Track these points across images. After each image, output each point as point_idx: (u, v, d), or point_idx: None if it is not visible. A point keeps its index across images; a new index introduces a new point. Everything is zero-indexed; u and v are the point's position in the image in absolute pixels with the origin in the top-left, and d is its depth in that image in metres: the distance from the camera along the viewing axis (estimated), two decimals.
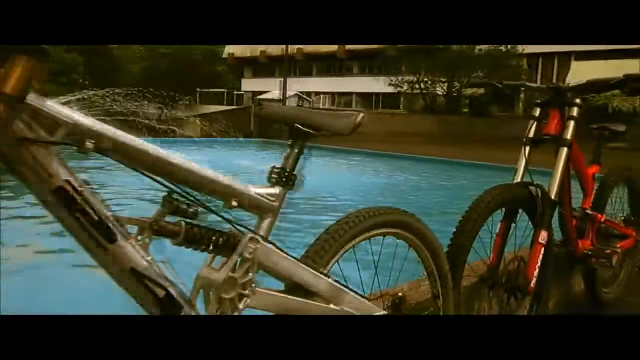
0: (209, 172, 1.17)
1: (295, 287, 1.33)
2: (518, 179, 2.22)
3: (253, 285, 1.23)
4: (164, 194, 1.12)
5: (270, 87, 39.16)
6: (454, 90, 25.45)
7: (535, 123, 2.30)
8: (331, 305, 1.38)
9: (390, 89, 27.91)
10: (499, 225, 2.17)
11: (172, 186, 1.11)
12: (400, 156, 12.38)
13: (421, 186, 8.94)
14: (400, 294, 1.66)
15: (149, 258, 1.06)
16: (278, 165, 1.34)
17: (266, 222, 1.28)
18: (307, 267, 1.33)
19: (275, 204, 1.30)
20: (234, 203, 1.22)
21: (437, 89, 25.61)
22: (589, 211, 2.60)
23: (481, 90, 26.62)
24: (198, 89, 39.81)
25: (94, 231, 0.97)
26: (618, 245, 2.61)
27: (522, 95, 28.71)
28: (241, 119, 16.51)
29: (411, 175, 9.72)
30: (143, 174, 1.07)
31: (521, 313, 2.14)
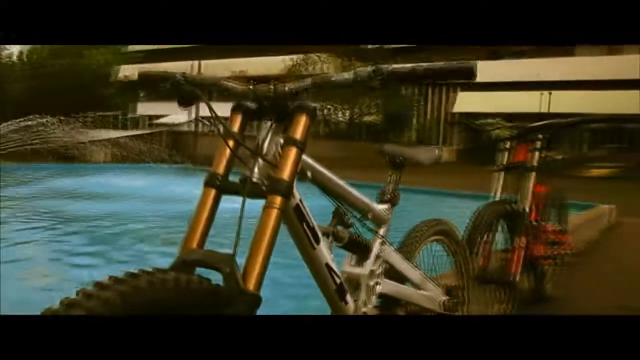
0: (356, 192, 1.61)
1: (398, 277, 1.78)
2: (497, 198, 2.82)
3: (382, 276, 1.67)
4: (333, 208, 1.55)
5: (167, 111, 38.59)
6: (355, 117, 26.75)
7: (507, 153, 2.93)
8: (421, 291, 1.85)
9: None
10: (485, 235, 2.74)
11: (339, 204, 1.55)
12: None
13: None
14: (452, 282, 2.15)
15: (332, 255, 1.48)
16: (384, 189, 1.80)
17: (384, 229, 1.73)
18: (408, 262, 1.79)
19: (389, 216, 1.75)
20: (370, 216, 1.66)
21: (340, 115, 26.79)
22: (541, 222, 3.26)
23: (375, 117, 28.24)
24: (89, 113, 38.21)
25: (311, 236, 1.37)
26: (562, 249, 3.30)
27: (414, 122, 30.80)
28: (154, 143, 16.34)
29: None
30: (324, 194, 1.50)
31: (509, 304, 2.71)
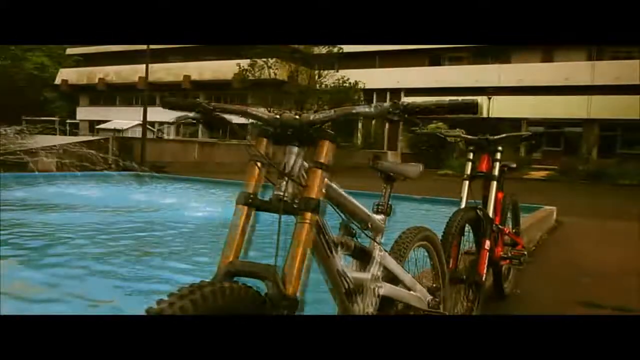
0: (360, 205, 1.79)
1: (392, 279, 1.97)
2: (463, 204, 3.08)
3: (381, 280, 1.86)
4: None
5: (110, 117, 37.66)
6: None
7: (471, 163, 3.19)
8: (411, 292, 2.05)
9: (236, 120, 28.64)
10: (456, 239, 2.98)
11: (343, 215, 1.73)
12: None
13: None
14: (431, 283, 2.36)
15: (343, 262, 1.66)
16: (379, 201, 1.99)
17: (379, 238, 1.92)
18: (401, 267, 1.99)
19: (383, 225, 1.94)
20: (369, 226, 1.85)
21: None
22: (500, 226, 3.55)
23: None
24: (24, 117, 36.80)
25: (327, 247, 1.55)
26: (517, 250, 3.60)
27: (359, 127, 31.32)
28: (103, 149, 15.99)
29: None
30: (334, 207, 1.67)
31: (477, 302, 2.96)
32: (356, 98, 28.26)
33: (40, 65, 46.41)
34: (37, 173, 12.06)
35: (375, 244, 1.86)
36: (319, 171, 1.39)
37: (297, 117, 1.43)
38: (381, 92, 31.16)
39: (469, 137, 3.34)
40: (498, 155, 3.19)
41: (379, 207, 1.97)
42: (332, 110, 1.44)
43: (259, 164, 1.44)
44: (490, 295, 3.59)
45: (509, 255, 3.49)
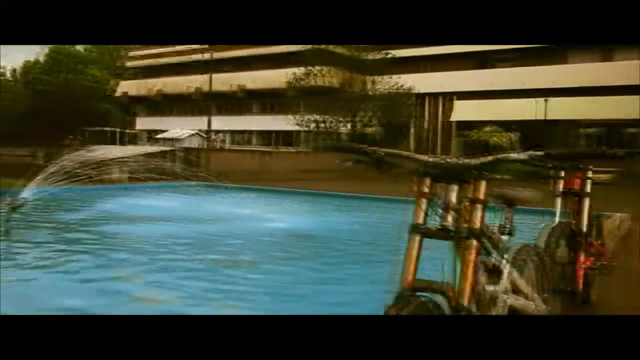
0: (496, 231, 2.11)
1: (515, 292, 2.28)
2: (556, 220, 3.34)
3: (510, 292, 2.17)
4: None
5: (166, 126, 38.94)
6: (356, 129, 27.35)
7: (562, 181, 3.46)
8: (529, 302, 2.36)
9: (289, 128, 29.27)
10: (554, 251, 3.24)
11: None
12: (324, 194, 12.83)
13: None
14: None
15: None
16: (504, 224, 2.31)
17: (507, 255, 2.23)
18: (524, 280, 2.30)
19: (509, 244, 2.26)
20: (500, 246, 2.17)
21: (341, 127, 27.38)
22: (589, 238, 3.78)
23: (374, 128, 28.82)
24: (85, 128, 38.50)
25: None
26: (603, 260, 3.82)
27: (412, 130, 31.43)
28: (168, 159, 16.74)
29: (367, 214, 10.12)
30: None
31: (572, 310, 3.22)
32: (409, 103, 28.41)
33: (101, 78, 48.67)
34: (116, 185, 12.59)
35: (505, 261, 2.18)
36: (480, 206, 1.72)
37: (459, 161, 1.76)
38: (434, 96, 31.17)
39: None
40: (589, 174, 3.44)
41: (505, 229, 2.28)
42: (489, 156, 1.77)
43: (425, 199, 1.79)
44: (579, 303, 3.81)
45: (598, 265, 3.72)
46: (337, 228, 7.90)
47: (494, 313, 2.05)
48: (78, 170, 7.76)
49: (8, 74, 54.58)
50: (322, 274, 5.06)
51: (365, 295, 3.84)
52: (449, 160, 1.80)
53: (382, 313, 1.63)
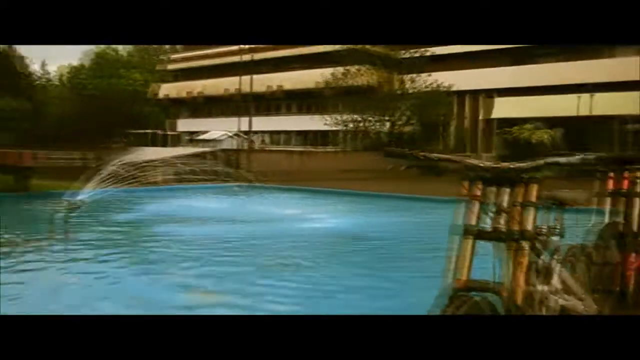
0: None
1: (566, 291, 2.32)
2: (606, 220, 3.35)
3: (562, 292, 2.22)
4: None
5: (208, 128, 39.59)
6: (395, 128, 27.26)
7: (611, 181, 3.45)
8: (580, 302, 2.39)
9: (327, 127, 29.35)
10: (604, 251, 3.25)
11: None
12: (368, 194, 12.85)
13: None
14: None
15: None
16: (554, 225, 2.35)
17: (557, 256, 2.28)
18: (574, 280, 2.34)
19: (559, 246, 2.30)
20: (552, 247, 2.22)
21: (380, 126, 27.33)
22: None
23: (413, 126, 28.66)
24: (128, 131, 39.48)
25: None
26: None
27: (451, 129, 31.12)
28: (212, 160, 17.06)
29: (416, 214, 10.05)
30: None
31: (622, 309, 3.22)
32: (448, 101, 28.14)
33: (144, 82, 49.87)
34: (162, 187, 12.86)
35: (555, 261, 2.23)
36: (532, 209, 1.79)
37: (511, 166, 1.83)
38: (472, 94, 30.79)
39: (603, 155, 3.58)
40: (639, 174, 3.42)
41: (555, 230, 2.33)
42: (541, 160, 1.83)
43: (476, 202, 1.86)
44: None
45: None
46: (383, 228, 7.96)
47: (544, 313, 2.10)
48: (130, 173, 8.03)
49: (55, 79, 56.40)
50: (370, 274, 5.14)
51: (414, 295, 3.89)
52: (500, 164, 1.87)
53: (432, 313, 1.70)
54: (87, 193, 6.74)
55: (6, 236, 6.05)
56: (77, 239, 6.18)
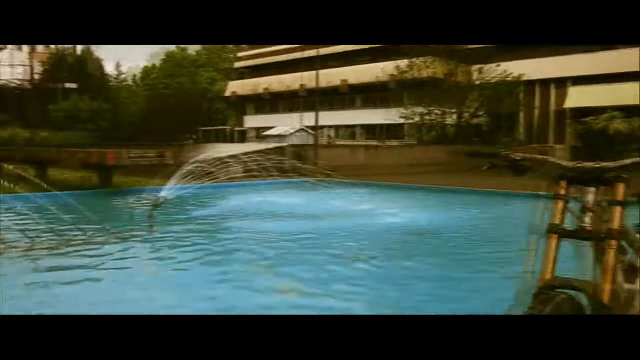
0: (633, 231, 2.17)
1: None
2: None
3: None
4: None
5: (274, 123, 40.27)
6: (462, 120, 26.77)
7: None
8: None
9: (393, 121, 29.14)
10: None
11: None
12: (438, 189, 12.78)
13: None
14: None
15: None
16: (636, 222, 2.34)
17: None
18: None
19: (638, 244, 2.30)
20: (636, 245, 2.22)
21: (447, 119, 26.93)
22: None
23: (482, 118, 28.02)
24: (199, 129, 40.73)
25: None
26: None
27: (522, 119, 30.20)
28: (282, 156, 17.40)
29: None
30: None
31: None
32: (518, 92, 27.33)
33: (211, 80, 51.32)
34: (237, 183, 13.15)
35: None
36: (619, 208, 1.82)
37: (597, 165, 1.86)
38: (545, 83, 29.73)
39: None
40: None
41: (636, 227, 2.32)
42: (628, 160, 1.85)
43: (562, 201, 1.90)
44: None
45: None
46: (459, 224, 7.90)
47: (632, 312, 2.11)
48: (206, 170, 8.35)
49: (130, 80, 58.91)
50: (446, 271, 5.15)
51: (493, 293, 3.89)
52: (586, 164, 1.90)
53: (513, 310, 1.75)
54: (168, 190, 7.10)
55: (94, 231, 6.47)
56: (161, 233, 6.52)
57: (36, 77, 37.25)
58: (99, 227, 6.65)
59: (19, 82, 37.09)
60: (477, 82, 26.95)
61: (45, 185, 7.72)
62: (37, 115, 29.91)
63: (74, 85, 36.05)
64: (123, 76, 57.57)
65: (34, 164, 13.07)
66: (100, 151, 12.17)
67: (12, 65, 36.61)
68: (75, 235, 6.35)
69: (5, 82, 36.44)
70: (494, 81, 26.28)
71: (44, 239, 6.19)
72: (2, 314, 2.95)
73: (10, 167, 9.03)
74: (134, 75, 60.20)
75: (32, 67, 35.64)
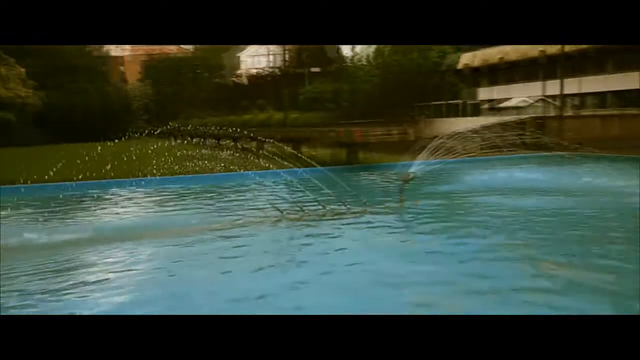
0: None
1: None
2: None
3: None
4: None
5: (510, 94, 38.43)
6: None
7: None
8: None
9: None
10: None
11: None
12: None
13: None
14: None
15: None
16: None
17: None
18: None
19: None
20: None
21: None
22: None
23: None
24: (428, 104, 40.72)
25: None
26: None
27: None
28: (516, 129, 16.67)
29: None
30: None
31: None
32: None
33: (442, 53, 50.70)
34: (480, 157, 13.02)
35: None
36: None
37: None
38: None
39: None
40: None
41: None
42: None
43: None
44: None
45: None
46: None
47: None
48: (452, 145, 8.48)
49: (364, 60, 61.38)
50: None
51: None
52: None
53: None
54: (417, 165, 7.38)
55: (348, 205, 7.08)
56: (413, 208, 6.89)
57: (286, 64, 41.31)
58: (355, 200, 7.28)
59: (271, 69, 41.57)
60: None
61: (310, 161, 8.67)
62: (287, 98, 33.22)
63: (317, 69, 39.09)
64: (357, 57, 60.23)
65: (290, 142, 14.66)
66: (348, 129, 13.12)
67: (266, 55, 41.13)
68: (337, 206, 7.05)
69: (260, 70, 41.13)
70: None
71: (312, 208, 7.01)
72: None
73: (277, 144, 10.34)
74: (367, 55, 62.56)
75: (283, 55, 39.62)
